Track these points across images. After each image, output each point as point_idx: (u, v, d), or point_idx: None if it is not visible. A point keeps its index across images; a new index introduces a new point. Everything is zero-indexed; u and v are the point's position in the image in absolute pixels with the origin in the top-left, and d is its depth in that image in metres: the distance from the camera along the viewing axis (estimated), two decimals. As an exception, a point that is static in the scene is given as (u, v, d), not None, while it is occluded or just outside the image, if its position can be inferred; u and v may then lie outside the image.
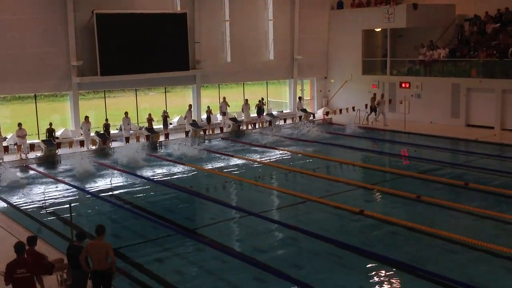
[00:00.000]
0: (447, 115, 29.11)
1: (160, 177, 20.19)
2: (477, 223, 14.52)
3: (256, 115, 31.45)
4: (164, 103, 30.30)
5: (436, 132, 27.18)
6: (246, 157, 23.25)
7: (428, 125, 28.93)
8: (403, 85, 31.66)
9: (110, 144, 25.10)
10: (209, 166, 21.74)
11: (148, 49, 28.02)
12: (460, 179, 18.48)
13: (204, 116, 31.02)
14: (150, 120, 27.13)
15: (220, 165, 21.88)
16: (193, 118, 29.12)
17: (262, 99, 32.17)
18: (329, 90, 36.65)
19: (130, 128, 26.91)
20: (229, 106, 30.41)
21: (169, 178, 20.14)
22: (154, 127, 27.29)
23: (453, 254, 12.39)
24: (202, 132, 27.97)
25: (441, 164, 20.82)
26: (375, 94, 31.46)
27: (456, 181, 18.16)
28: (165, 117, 28.21)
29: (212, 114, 29.84)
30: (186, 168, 21.55)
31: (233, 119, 29.70)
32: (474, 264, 11.81)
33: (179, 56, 29.28)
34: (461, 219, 14.91)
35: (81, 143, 24.80)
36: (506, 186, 17.46)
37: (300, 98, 33.90)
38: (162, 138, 26.67)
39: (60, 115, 28.30)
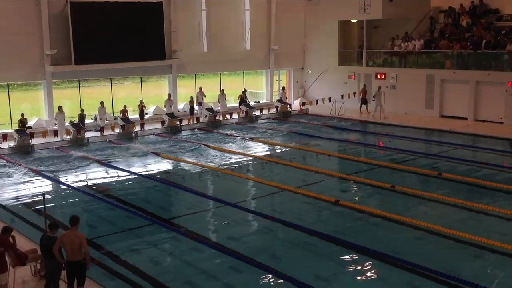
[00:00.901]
0: (421, 106, 29.48)
1: (136, 168, 20.06)
2: (450, 212, 14.76)
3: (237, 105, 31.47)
4: (140, 93, 30.10)
5: (411, 123, 27.51)
6: (222, 147, 23.24)
7: (403, 116, 29.24)
8: (379, 76, 31.94)
9: (84, 134, 24.85)
10: (186, 157, 21.68)
11: (124, 38, 27.73)
12: (434, 169, 18.78)
13: (180, 106, 30.99)
14: (124, 112, 26.82)
15: (196, 156, 21.83)
16: (175, 107, 29.06)
17: (245, 90, 32.15)
18: (305, 81, 36.79)
19: (106, 118, 26.69)
20: (205, 96, 30.31)
21: (145, 169, 20.04)
22: (130, 117, 27.10)
23: (426, 242, 12.59)
24: (178, 122, 27.85)
25: (415, 154, 21.09)
26: (365, 86, 31.32)
27: (430, 171, 18.43)
28: (142, 107, 28.01)
29: (203, 106, 29.67)
30: (162, 159, 21.46)
31: (210, 109, 29.63)
32: (446, 252, 12.01)
33: (155, 46, 29.07)
34: (434, 208, 15.15)
35: (55, 133, 24.53)
36: (478, 176, 17.78)
37: (283, 88, 33.94)
38: (137, 128, 26.49)
39: (33, 105, 27.90)
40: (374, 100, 29.50)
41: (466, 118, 27.39)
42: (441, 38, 30.92)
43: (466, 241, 12.30)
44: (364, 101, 30.63)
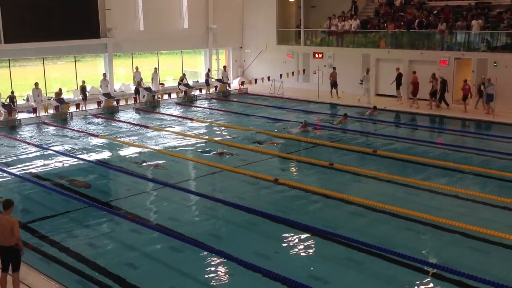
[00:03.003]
0: (358, 85, 29.96)
1: (72, 150, 19.53)
2: (384, 187, 15.22)
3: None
4: (74, 73, 29.18)
5: (347, 102, 28.02)
6: (160, 127, 22.95)
7: (340, 95, 29.68)
8: (317, 55, 32.28)
9: (16, 116, 23.90)
10: (124, 138, 21.28)
11: (56, 16, 26.75)
12: (369, 146, 19.27)
13: (117, 86, 30.37)
14: (59, 94, 25.90)
15: (135, 137, 21.47)
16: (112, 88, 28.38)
17: (184, 74, 31.77)
18: (244, 60, 36.73)
19: (41, 100, 25.63)
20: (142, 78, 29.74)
21: (81, 151, 19.52)
22: (69, 97, 26.25)
23: (361, 217, 12.96)
24: (115, 103, 27.25)
25: (352, 132, 21.55)
26: (334, 68, 29.79)
27: (365, 149, 18.90)
28: (83, 87, 27.06)
29: (141, 86, 29.06)
30: (100, 140, 20.98)
31: (148, 89, 29.16)
32: (380, 226, 12.40)
33: (89, 24, 28.23)
34: (370, 184, 15.59)
35: (-15, 115, 23.53)
36: (411, 152, 18.41)
37: (224, 67, 33.73)
38: (73, 109, 25.71)
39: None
40: (361, 83, 27.94)
41: (400, 96, 28.05)
42: (376, 17, 31.54)
43: (400, 215, 12.73)
44: (334, 85, 29.32)
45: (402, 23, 29.52)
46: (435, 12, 29.37)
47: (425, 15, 29.03)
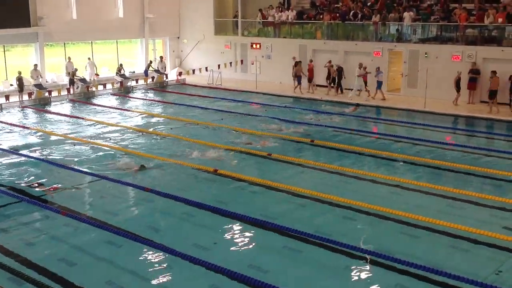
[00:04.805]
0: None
1: (1, 143, 18.75)
2: (322, 177, 15.47)
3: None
4: (4, 63, 27.99)
5: (285, 92, 28.27)
6: (95, 119, 22.40)
7: (278, 86, 29.92)
8: (254, 46, 32.33)
9: None
10: (56, 130, 20.63)
11: (-18, 3, 25.52)
12: (307, 136, 19.52)
13: (50, 76, 29.44)
14: None
15: (68, 128, 20.85)
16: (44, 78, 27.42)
17: (121, 64, 31.07)
18: (182, 50, 36.34)
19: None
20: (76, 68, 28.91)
21: (12, 143, 18.77)
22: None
23: (301, 207, 13.09)
24: (47, 94, 26.35)
25: (290, 123, 21.74)
26: (294, 58, 29.07)
27: (303, 139, 19.14)
28: (20, 79, 25.91)
29: (75, 77, 28.14)
30: (30, 133, 20.24)
31: (82, 80, 28.38)
32: (320, 216, 12.59)
33: (18, 12, 27.05)
34: (308, 174, 15.80)
35: None
36: (347, 142, 18.80)
37: (161, 57, 33.18)
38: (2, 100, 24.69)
39: None
40: (358, 76, 26.67)
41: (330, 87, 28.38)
42: (312, 9, 31.91)
43: (337, 204, 12.97)
44: (298, 78, 28.29)
45: (337, 14, 30.00)
46: (369, 4, 30.02)
47: (359, 7, 29.62)
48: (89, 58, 30.15)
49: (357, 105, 25.30)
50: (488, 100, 23.28)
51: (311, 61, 28.67)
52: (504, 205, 12.90)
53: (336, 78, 27.55)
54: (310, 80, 28.27)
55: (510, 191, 14.03)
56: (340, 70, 27.44)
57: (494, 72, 23.10)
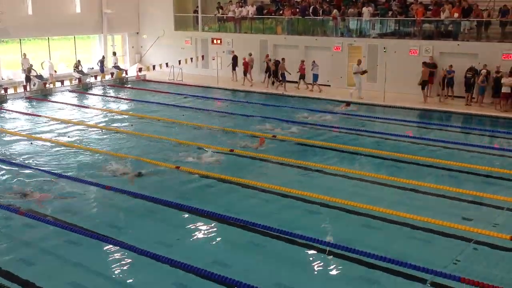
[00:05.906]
0: (256, 71, 30.23)
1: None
2: (284, 171, 15.53)
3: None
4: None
5: (247, 88, 28.27)
6: (53, 116, 21.94)
7: (239, 81, 29.83)
8: (215, 41, 32.19)
9: None
10: (12, 128, 20.11)
11: None
12: (270, 132, 19.52)
13: (5, 73, 28.69)
14: None
15: (24, 126, 20.35)
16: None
17: (79, 61, 30.47)
18: (141, 46, 35.90)
19: None
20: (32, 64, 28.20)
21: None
22: None
23: (265, 202, 13.10)
24: (3, 91, 25.66)
25: (252, 118, 21.74)
26: (267, 56, 28.92)
27: (266, 134, 19.14)
28: None
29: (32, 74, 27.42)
30: (-14, 131, 19.70)
31: (39, 77, 27.72)
32: (285, 210, 12.63)
33: (-29, 7, 26.23)
34: (269, 168, 15.84)
35: None
36: (307, 136, 18.94)
37: (114, 53, 32.69)
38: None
39: None
40: (355, 73, 25.93)
41: (297, 82, 28.57)
42: (272, 4, 31.96)
43: (301, 198, 13.04)
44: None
45: (297, 9, 30.13)
46: (328, -1, 30.28)
47: (319, 2, 29.81)
48: (48, 60, 29.41)
49: (348, 103, 24.75)
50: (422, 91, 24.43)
51: (250, 54, 29.53)
52: (463, 196, 13.21)
53: (273, 71, 28.17)
54: (245, 73, 29.21)
55: (467, 182, 14.39)
56: (276, 64, 28.02)
57: (425, 64, 24.49)
